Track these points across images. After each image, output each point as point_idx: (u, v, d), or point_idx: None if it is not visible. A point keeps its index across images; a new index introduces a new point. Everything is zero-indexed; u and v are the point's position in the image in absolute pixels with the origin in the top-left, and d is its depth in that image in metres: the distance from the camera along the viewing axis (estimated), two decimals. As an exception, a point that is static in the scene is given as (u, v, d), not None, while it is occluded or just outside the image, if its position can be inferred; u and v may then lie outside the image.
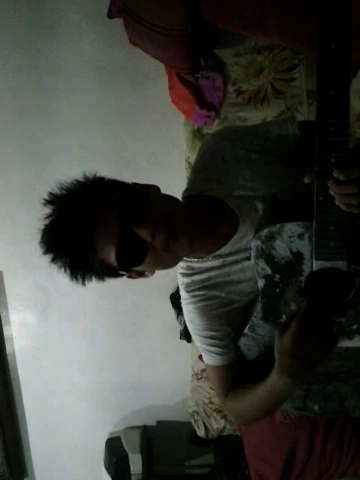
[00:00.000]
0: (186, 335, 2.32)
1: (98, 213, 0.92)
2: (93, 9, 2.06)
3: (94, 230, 0.91)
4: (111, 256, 0.93)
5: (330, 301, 1.02)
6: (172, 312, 2.32)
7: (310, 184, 0.88)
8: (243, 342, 1.12)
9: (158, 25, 1.66)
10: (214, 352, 1.12)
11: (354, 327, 1.03)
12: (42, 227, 0.96)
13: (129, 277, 1.05)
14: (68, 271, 0.96)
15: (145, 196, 0.96)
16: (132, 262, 0.96)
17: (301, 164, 1.11)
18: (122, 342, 2.46)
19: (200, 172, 1.12)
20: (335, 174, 0.82)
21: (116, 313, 2.43)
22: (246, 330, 1.10)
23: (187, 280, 1.11)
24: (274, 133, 1.09)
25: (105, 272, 0.98)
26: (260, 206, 1.04)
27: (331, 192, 0.84)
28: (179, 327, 2.33)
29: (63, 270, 0.96)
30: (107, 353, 2.48)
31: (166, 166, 2.13)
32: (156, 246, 0.93)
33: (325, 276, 0.99)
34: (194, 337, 1.16)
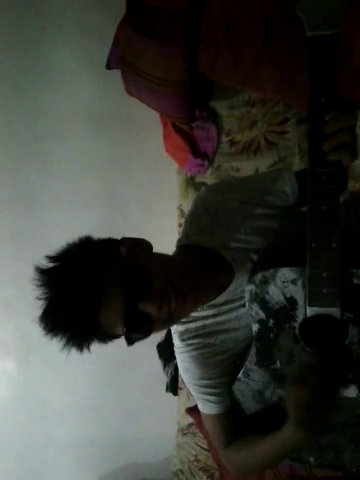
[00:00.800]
0: (172, 387, 2.24)
1: (100, 292, 0.89)
2: (91, 58, 2.12)
3: (98, 312, 0.89)
4: (118, 331, 0.93)
5: (324, 348, 1.00)
6: (158, 363, 2.25)
7: (303, 233, 0.88)
8: (237, 387, 1.09)
9: (156, 76, 1.72)
10: (211, 401, 1.08)
11: (349, 376, 1.01)
12: (41, 310, 0.92)
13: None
14: (73, 348, 0.93)
15: (144, 269, 0.94)
16: (140, 336, 0.95)
17: (298, 215, 1.12)
18: (105, 394, 2.37)
19: (193, 223, 1.11)
20: (327, 116, 0.83)
21: (100, 363, 2.34)
22: (240, 375, 1.07)
23: (181, 328, 1.09)
24: (269, 184, 1.09)
25: (109, 340, 0.98)
26: (255, 258, 1.04)
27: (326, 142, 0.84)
28: (165, 379, 2.25)
29: (67, 348, 0.93)
30: (88, 405, 2.39)
31: (158, 213, 2.14)
32: (161, 317, 0.92)
33: (319, 322, 0.97)
34: (189, 386, 1.12)
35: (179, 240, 1.12)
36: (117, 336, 0.96)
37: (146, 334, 0.95)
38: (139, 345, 2.30)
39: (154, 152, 2.13)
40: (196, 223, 1.10)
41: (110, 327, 0.92)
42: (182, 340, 1.08)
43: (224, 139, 1.90)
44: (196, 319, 1.07)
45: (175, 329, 1.10)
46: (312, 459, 1.10)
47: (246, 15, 1.59)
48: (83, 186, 2.20)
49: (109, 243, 0.98)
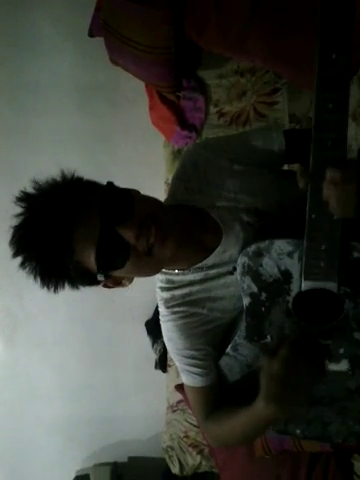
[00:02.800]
0: (161, 364, 2.24)
1: (77, 212, 0.86)
2: (73, 28, 2.05)
3: (72, 230, 0.85)
4: (90, 258, 0.87)
5: (318, 323, 0.97)
6: (147, 340, 2.25)
7: (294, 195, 0.85)
8: (224, 362, 1.06)
9: (141, 42, 1.66)
10: (195, 372, 1.05)
11: (341, 351, 0.99)
12: (12, 227, 0.88)
13: (105, 286, 0.98)
14: (39, 275, 0.89)
15: (128, 194, 0.92)
16: (113, 265, 0.90)
17: (287, 173, 1.09)
18: (93, 372, 2.36)
19: (181, 182, 1.08)
20: (330, 173, 0.77)
21: (88, 341, 2.33)
22: (228, 349, 1.04)
23: (166, 295, 1.05)
24: (258, 142, 1.07)
25: (81, 277, 0.92)
26: (244, 218, 1.01)
27: (326, 196, 0.80)
28: (154, 356, 2.24)
29: (33, 275, 0.89)
30: (77, 384, 2.37)
31: (145, 188, 2.04)
32: (139, 249, 0.88)
33: (313, 296, 0.95)
34: (173, 357, 1.09)
35: (165, 200, 1.08)
36: (91, 274, 0.91)
37: (120, 262, 0.89)
38: (128, 322, 2.30)
39: (140, 125, 2.08)
40: (184, 182, 1.07)
41: (83, 250, 0.87)
42: (167, 307, 1.05)
43: (212, 110, 1.86)
44: (182, 285, 1.03)
45: (161, 296, 1.07)
46: (298, 431, 1.10)
47: (235, -22, 1.53)
48: (67, 160, 2.07)
49: (97, 182, 0.96)
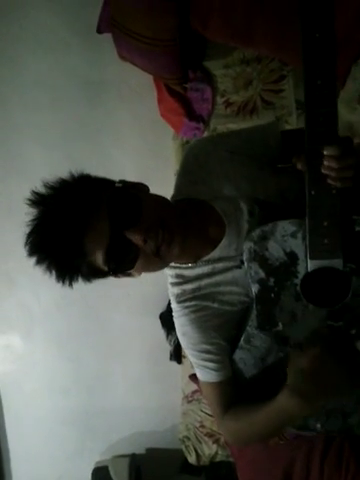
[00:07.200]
0: (176, 356, 2.24)
1: (88, 217, 0.89)
2: (82, 24, 2.07)
3: (84, 235, 0.89)
4: (101, 261, 0.91)
5: (327, 304, 0.97)
6: (161, 332, 2.25)
7: (294, 188, 0.86)
8: (238, 355, 1.06)
9: (146, 36, 1.67)
10: (210, 368, 1.06)
11: (353, 332, 0.99)
12: (27, 230, 0.92)
13: (115, 276, 1.01)
14: (54, 272, 0.93)
15: (136, 198, 0.94)
16: (123, 267, 0.95)
17: (284, 169, 1.11)
18: (109, 365, 2.38)
19: (185, 175, 1.11)
20: (327, 151, 0.80)
21: (103, 334, 2.35)
22: (241, 342, 1.04)
23: (177, 290, 1.08)
24: (256, 136, 1.11)
25: (93, 274, 0.96)
26: (244, 207, 1.02)
27: (326, 171, 0.82)
28: (169, 348, 2.25)
29: (49, 271, 0.93)
30: (93, 376, 2.40)
31: (155, 180, 2.05)
32: (147, 251, 0.91)
33: (321, 278, 0.95)
34: (187, 352, 1.11)
35: (172, 196, 1.12)
36: (102, 271, 0.95)
37: (129, 264, 0.94)
38: (142, 315, 2.31)
39: (149, 118, 2.10)
40: (187, 175, 1.10)
41: (94, 253, 0.90)
42: (179, 302, 1.07)
43: (219, 100, 1.86)
44: (191, 279, 1.06)
45: (172, 291, 1.09)
46: (319, 426, 1.08)
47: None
48: (78, 155, 2.16)
49: (105, 179, 0.98)
